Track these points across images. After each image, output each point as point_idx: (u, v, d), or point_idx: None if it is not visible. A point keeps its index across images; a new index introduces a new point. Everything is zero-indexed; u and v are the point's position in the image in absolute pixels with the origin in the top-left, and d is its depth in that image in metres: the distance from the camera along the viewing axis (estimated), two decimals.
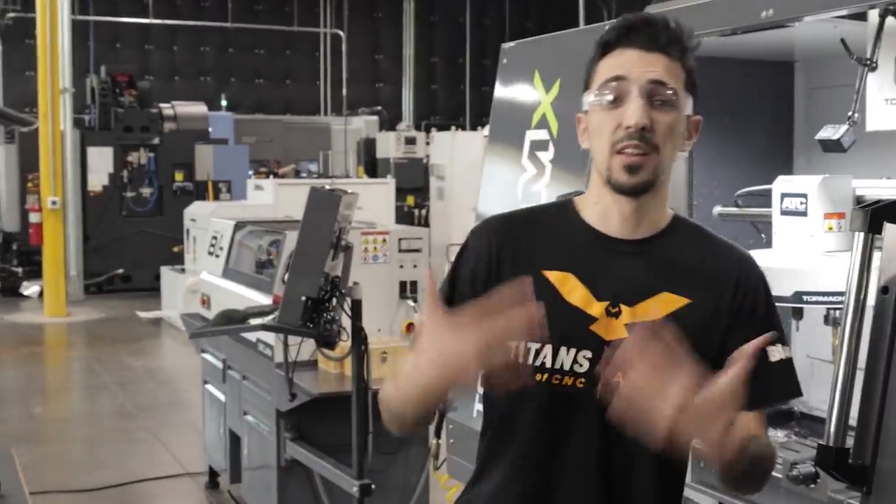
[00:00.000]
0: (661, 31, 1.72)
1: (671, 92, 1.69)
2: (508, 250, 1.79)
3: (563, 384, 1.73)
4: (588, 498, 1.76)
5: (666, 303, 1.74)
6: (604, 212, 1.77)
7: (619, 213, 1.75)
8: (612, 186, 1.72)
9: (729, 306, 1.77)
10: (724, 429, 1.55)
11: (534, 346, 1.72)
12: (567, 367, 1.72)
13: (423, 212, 16.27)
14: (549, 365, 1.73)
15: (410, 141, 17.74)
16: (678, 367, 1.51)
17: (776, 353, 1.79)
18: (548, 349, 1.72)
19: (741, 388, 1.52)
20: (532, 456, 1.77)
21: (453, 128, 16.46)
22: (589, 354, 1.72)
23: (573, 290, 1.74)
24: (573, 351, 1.72)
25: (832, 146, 2.40)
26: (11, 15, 20.44)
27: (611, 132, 1.69)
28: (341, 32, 23.04)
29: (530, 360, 1.73)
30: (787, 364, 1.82)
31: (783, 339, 1.82)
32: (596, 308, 1.73)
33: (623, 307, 1.73)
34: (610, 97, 1.70)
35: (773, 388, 1.80)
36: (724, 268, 1.80)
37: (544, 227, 1.81)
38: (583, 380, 1.72)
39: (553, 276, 1.75)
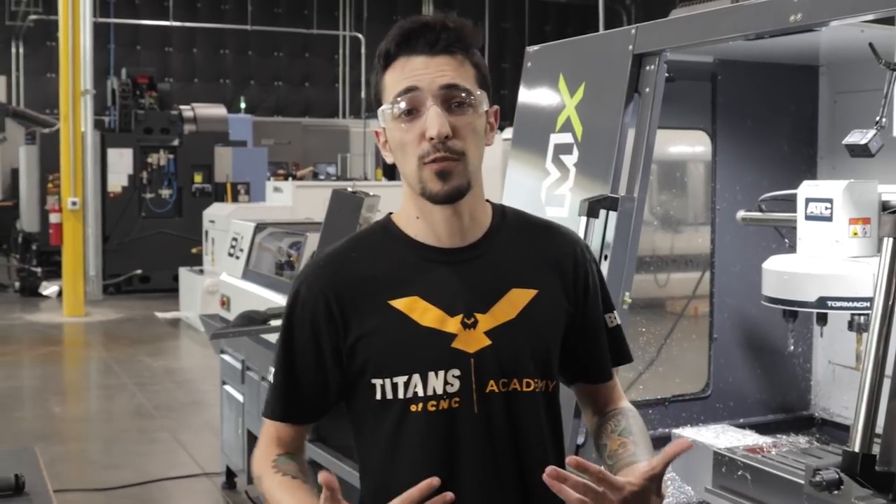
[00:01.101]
0: (440, 33, 1.67)
1: (465, 93, 1.67)
2: (345, 291, 1.73)
3: (439, 408, 1.70)
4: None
5: (517, 299, 1.74)
6: (428, 225, 1.74)
7: (444, 222, 1.72)
8: (427, 198, 1.68)
9: (573, 286, 1.81)
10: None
11: (400, 380, 1.69)
12: (440, 390, 1.69)
13: None
14: (421, 394, 1.70)
15: None
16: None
17: (613, 320, 1.88)
18: (416, 378, 1.69)
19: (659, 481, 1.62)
20: (416, 477, 1.68)
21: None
22: (457, 372, 1.70)
23: (424, 312, 1.70)
24: (441, 373, 1.69)
25: (860, 151, 2.39)
26: (33, 17, 20.57)
27: (415, 145, 1.66)
28: (360, 35, 23.09)
29: (400, 395, 1.70)
30: (621, 329, 1.91)
31: (614, 307, 1.91)
32: (452, 324, 1.70)
33: (478, 316, 1.71)
34: (406, 110, 1.66)
35: (622, 350, 1.91)
36: (558, 249, 1.82)
37: (375, 254, 1.76)
38: (457, 399, 1.70)
39: (400, 303, 1.71)
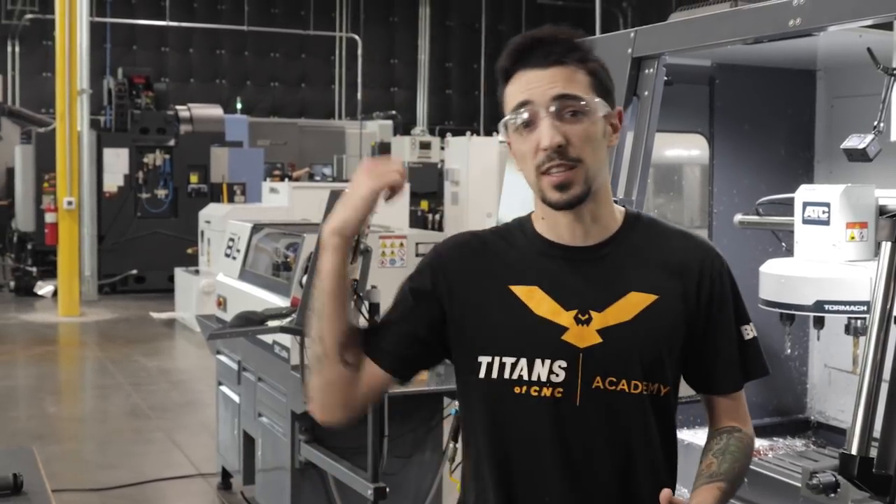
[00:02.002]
0: (552, 45, 1.76)
1: (577, 101, 1.73)
2: (473, 266, 1.84)
3: (541, 395, 1.76)
4: (576, 498, 1.79)
5: (635, 302, 1.78)
6: (552, 225, 1.82)
7: (566, 224, 1.80)
8: (548, 205, 1.76)
9: (696, 295, 1.82)
10: None
11: (509, 360, 1.77)
12: (544, 378, 1.76)
13: (437, 216, 16.27)
14: (526, 377, 1.77)
15: (425, 146, 17.78)
16: None
17: (749, 332, 1.87)
18: (523, 362, 1.77)
19: None
20: (517, 463, 1.80)
21: (468, 133, 16.48)
22: (564, 364, 1.76)
23: (541, 302, 1.78)
24: (548, 362, 1.76)
25: (857, 155, 2.40)
26: (29, 16, 20.55)
27: (532, 156, 1.74)
28: (357, 36, 23.08)
29: (506, 374, 1.77)
30: (757, 342, 1.89)
31: (750, 319, 1.90)
32: (565, 318, 1.77)
33: (593, 313, 1.77)
34: (523, 122, 1.74)
35: (753, 365, 1.89)
36: (686, 258, 1.84)
37: (507, 244, 1.86)
38: (560, 389, 1.76)
39: (520, 290, 1.79)
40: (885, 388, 2.03)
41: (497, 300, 1.79)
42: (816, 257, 2.82)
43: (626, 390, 1.76)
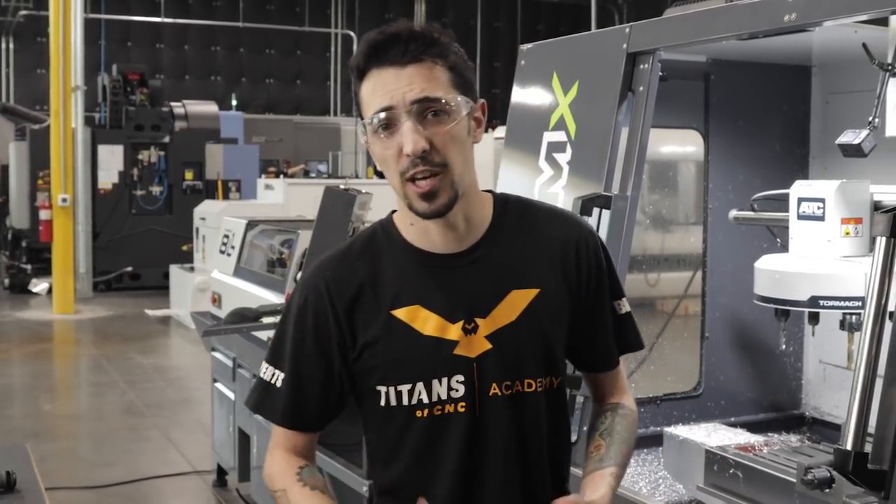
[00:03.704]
0: (408, 42, 1.66)
1: (438, 102, 1.65)
2: (349, 298, 1.74)
3: (445, 412, 1.73)
4: (492, 499, 1.77)
5: (517, 301, 1.74)
6: (422, 231, 1.74)
7: (437, 231, 1.73)
8: (416, 214, 1.69)
9: (576, 278, 1.79)
10: None
11: (404, 388, 1.72)
12: (444, 395, 1.72)
13: None
14: (426, 401, 1.72)
15: None
16: None
17: (623, 307, 1.87)
18: (420, 386, 1.72)
19: None
20: (420, 477, 1.76)
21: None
22: (461, 378, 1.72)
23: (426, 321, 1.72)
24: (445, 380, 1.72)
25: (852, 151, 2.40)
26: (23, 13, 20.51)
27: (395, 161, 1.65)
28: (352, 33, 23.06)
29: (405, 401, 1.73)
30: (631, 316, 1.89)
31: (624, 293, 1.89)
32: (453, 331, 1.71)
33: (478, 320, 1.72)
34: (383, 125, 1.65)
35: (628, 339, 1.89)
36: (560, 241, 1.80)
37: (376, 260, 1.76)
38: (463, 403, 1.72)
39: (402, 313, 1.72)
40: (879, 383, 2.03)
41: (383, 329, 1.72)
42: (811, 253, 2.82)
43: (521, 390, 1.74)
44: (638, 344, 1.91)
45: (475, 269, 1.74)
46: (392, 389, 1.73)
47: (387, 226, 1.80)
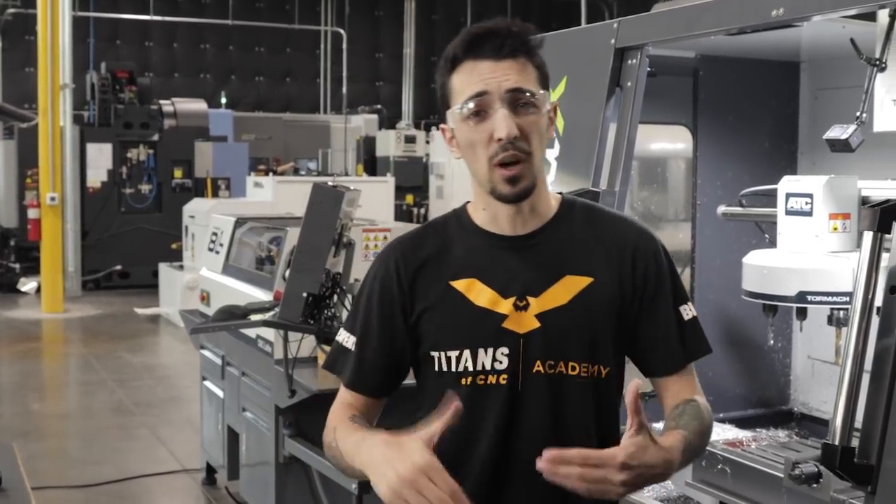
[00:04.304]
0: (505, 38, 1.77)
1: (530, 94, 1.76)
2: (414, 271, 1.88)
3: (487, 382, 1.82)
4: (518, 482, 1.83)
5: (570, 286, 1.82)
6: (492, 215, 1.86)
7: (506, 215, 1.84)
8: (497, 198, 1.80)
9: (631, 276, 1.85)
10: (654, 462, 1.64)
11: (453, 354, 1.83)
12: (488, 366, 1.82)
13: (423, 210, 16.27)
14: (471, 368, 1.82)
15: (410, 139, 17.76)
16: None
17: (688, 312, 1.89)
18: (466, 353, 1.83)
19: (643, 429, 1.64)
20: (468, 452, 1.84)
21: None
22: (507, 351, 1.81)
23: (480, 293, 1.83)
24: (490, 350, 1.81)
25: (840, 146, 2.40)
26: (11, 11, 20.42)
27: (485, 146, 1.76)
28: (342, 31, 23.02)
29: (453, 368, 1.83)
30: (697, 322, 1.91)
31: (689, 299, 1.92)
32: (504, 306, 1.81)
33: (530, 299, 1.81)
34: (475, 111, 1.76)
35: (693, 345, 1.90)
36: (620, 240, 1.87)
37: (446, 239, 1.90)
38: (505, 376, 1.81)
39: (460, 284, 1.84)
40: (866, 378, 2.03)
41: (440, 297, 1.85)
42: (799, 248, 2.82)
43: (565, 372, 1.81)
44: (704, 349, 1.92)
45: (534, 251, 1.84)
46: (443, 355, 1.84)
47: (460, 212, 1.93)
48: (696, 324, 1.90)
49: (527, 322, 1.80)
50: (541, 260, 1.83)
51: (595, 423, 1.84)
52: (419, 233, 1.96)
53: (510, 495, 1.84)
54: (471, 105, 1.75)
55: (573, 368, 1.81)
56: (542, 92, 1.78)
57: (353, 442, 1.78)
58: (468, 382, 1.82)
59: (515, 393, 1.81)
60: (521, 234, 1.85)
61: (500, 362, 1.81)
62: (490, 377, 1.81)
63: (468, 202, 1.93)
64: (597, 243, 1.86)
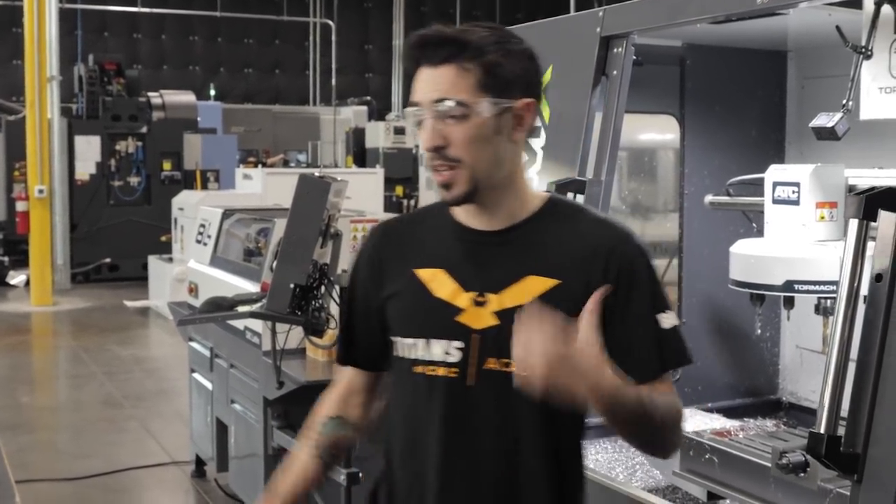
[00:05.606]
0: (443, 44, 1.76)
1: (457, 105, 1.74)
2: (389, 252, 1.94)
3: (436, 374, 1.83)
4: (465, 478, 1.82)
5: (532, 286, 1.79)
6: (467, 210, 1.87)
7: (474, 211, 1.85)
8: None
9: (602, 281, 1.77)
10: (594, 377, 1.60)
11: (409, 341, 1.86)
12: (439, 358, 1.82)
13: (412, 202, 16.25)
14: (424, 357, 1.84)
15: (399, 131, 17.72)
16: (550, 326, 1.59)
17: (666, 321, 1.82)
18: (421, 342, 1.85)
19: (596, 337, 1.62)
20: (416, 441, 1.87)
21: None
22: (460, 345, 1.81)
23: (442, 284, 1.84)
24: (444, 342, 1.82)
25: (826, 134, 2.39)
26: None
27: (424, 151, 1.81)
28: (331, 22, 22.96)
29: (409, 354, 1.86)
30: (677, 331, 1.84)
31: (670, 307, 1.85)
32: (463, 299, 1.82)
33: (490, 296, 1.80)
34: (415, 121, 1.81)
35: (670, 354, 1.83)
36: (594, 244, 1.81)
37: (424, 228, 1.94)
38: (455, 369, 1.81)
39: (424, 273, 1.86)
40: (852, 367, 2.03)
41: (404, 285, 1.87)
42: (786, 237, 2.82)
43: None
44: (683, 359, 1.85)
45: (503, 249, 1.83)
46: (401, 341, 1.87)
47: (442, 204, 1.92)
48: (677, 333, 1.83)
49: (484, 318, 1.79)
50: (507, 258, 1.82)
51: (546, 426, 1.79)
52: (401, 219, 2.03)
53: (457, 489, 1.82)
54: (409, 114, 1.80)
55: None
56: (477, 100, 1.75)
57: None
58: (419, 371, 1.85)
59: (465, 387, 1.80)
60: (492, 229, 1.85)
61: (451, 355, 1.81)
62: (439, 369, 1.82)
63: None
64: (572, 245, 1.82)
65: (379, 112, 20.92)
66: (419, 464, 1.85)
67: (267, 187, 11.30)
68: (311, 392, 4.37)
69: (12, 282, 14.34)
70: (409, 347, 1.86)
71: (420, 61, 1.78)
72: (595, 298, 1.67)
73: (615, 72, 3.00)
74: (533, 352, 1.57)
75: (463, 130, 1.75)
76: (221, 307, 4.24)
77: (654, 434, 1.78)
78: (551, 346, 1.57)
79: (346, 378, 2.04)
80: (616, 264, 1.79)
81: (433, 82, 1.76)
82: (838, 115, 2.40)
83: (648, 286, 1.82)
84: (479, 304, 1.80)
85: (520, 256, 1.82)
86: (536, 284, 1.78)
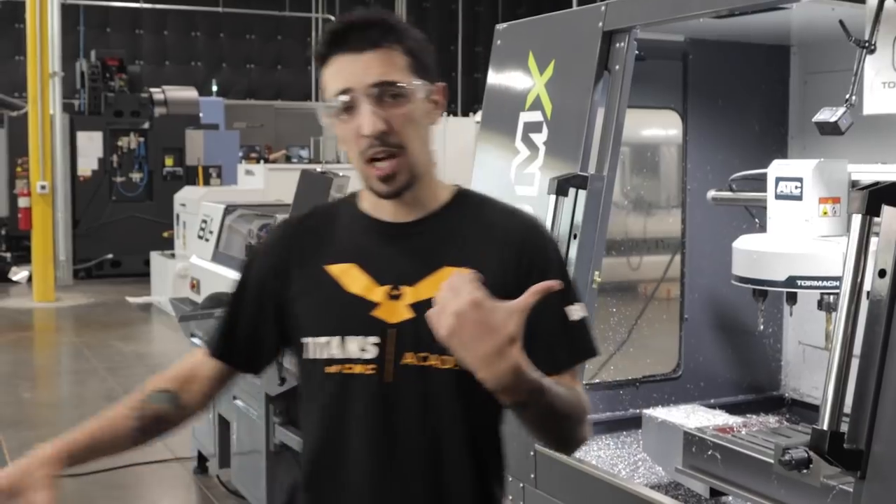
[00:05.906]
0: (364, 29, 1.74)
1: (395, 85, 1.71)
2: (294, 250, 1.86)
3: (353, 372, 1.77)
4: (388, 476, 1.77)
5: (446, 277, 1.69)
6: (376, 202, 1.81)
7: (388, 203, 1.80)
8: (374, 194, 1.77)
9: (514, 271, 1.76)
10: (502, 354, 1.52)
11: (322, 340, 1.78)
12: (355, 355, 1.76)
13: None
14: (338, 356, 1.77)
15: None
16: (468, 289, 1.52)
17: (575, 313, 1.79)
18: (335, 340, 1.77)
19: (520, 316, 1.53)
20: (329, 440, 1.80)
21: (445, 114, 16.45)
22: (376, 340, 1.76)
23: (355, 279, 1.78)
24: (359, 339, 1.76)
25: (829, 129, 2.37)
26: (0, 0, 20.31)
27: (355, 142, 1.73)
28: (333, 18, 22.90)
29: (320, 354, 1.78)
30: (584, 323, 1.82)
31: (579, 299, 1.82)
32: (377, 294, 1.77)
33: (404, 288, 1.76)
34: (343, 108, 1.72)
35: (578, 347, 1.81)
36: (506, 233, 1.80)
37: (332, 223, 1.87)
38: (373, 366, 1.76)
39: (335, 269, 1.80)
40: (856, 363, 2.02)
41: (314, 281, 1.81)
42: (789, 233, 2.80)
43: (436, 366, 1.73)
44: (589, 352, 1.84)
45: (415, 240, 1.80)
46: (312, 341, 1.79)
47: (349, 198, 1.90)
48: (584, 325, 1.81)
49: (399, 312, 1.75)
50: (420, 250, 1.79)
51: (467, 416, 1.76)
52: (308, 214, 1.93)
53: (385, 490, 1.77)
54: (337, 102, 1.72)
55: (444, 362, 1.73)
56: (412, 81, 1.73)
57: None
58: (334, 371, 1.77)
59: (383, 384, 1.75)
60: (403, 221, 1.81)
61: (367, 351, 1.75)
62: (356, 366, 1.76)
63: (361, 190, 1.88)
64: (484, 236, 1.80)
65: None
66: (340, 467, 1.79)
67: (269, 183, 11.31)
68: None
69: (14, 278, 14.35)
70: (322, 347, 1.78)
71: (338, 49, 1.73)
72: (538, 288, 1.56)
73: (617, 67, 2.99)
74: (456, 294, 1.52)
75: (403, 113, 1.71)
76: (223, 303, 4.24)
77: (561, 427, 1.74)
78: (472, 298, 1.51)
79: (199, 362, 1.94)
80: (528, 254, 1.78)
81: (365, 66, 1.70)
82: (841, 110, 2.38)
83: (559, 277, 1.76)
84: (393, 297, 1.75)
85: (434, 247, 1.78)
86: (450, 275, 1.70)
